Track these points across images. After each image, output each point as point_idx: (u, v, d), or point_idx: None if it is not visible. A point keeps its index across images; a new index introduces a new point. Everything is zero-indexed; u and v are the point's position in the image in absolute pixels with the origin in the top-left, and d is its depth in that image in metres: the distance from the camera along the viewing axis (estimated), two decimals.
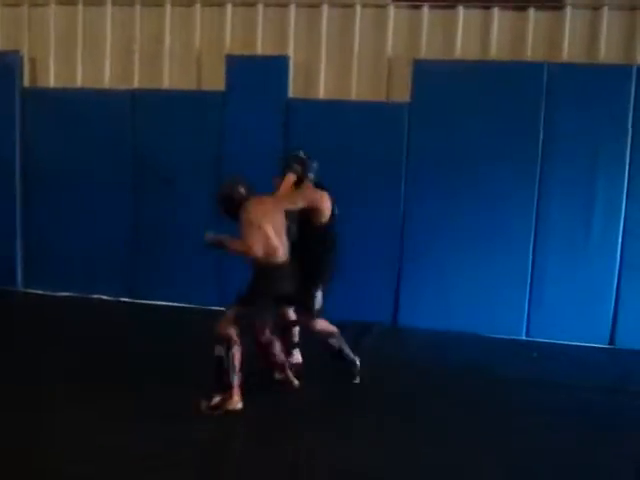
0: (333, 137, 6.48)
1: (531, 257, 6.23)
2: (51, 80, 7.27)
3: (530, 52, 6.39)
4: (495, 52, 6.43)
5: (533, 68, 6.20)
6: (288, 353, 4.90)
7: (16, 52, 7.13)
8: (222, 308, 6.54)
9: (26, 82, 7.24)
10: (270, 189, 6.45)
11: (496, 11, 6.41)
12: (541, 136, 6.17)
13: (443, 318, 6.25)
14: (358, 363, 4.83)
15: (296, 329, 5.00)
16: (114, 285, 7.04)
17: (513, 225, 6.21)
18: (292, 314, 4.91)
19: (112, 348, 5.34)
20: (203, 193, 6.79)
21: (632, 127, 6.01)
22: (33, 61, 7.28)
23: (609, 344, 6.14)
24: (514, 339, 6.20)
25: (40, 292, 7.11)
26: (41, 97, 7.16)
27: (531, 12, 6.37)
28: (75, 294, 7.04)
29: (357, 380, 4.81)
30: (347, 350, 4.83)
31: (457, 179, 6.27)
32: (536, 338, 6.21)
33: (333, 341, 4.75)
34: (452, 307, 6.29)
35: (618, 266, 6.11)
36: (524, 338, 6.25)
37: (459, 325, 6.20)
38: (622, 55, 6.25)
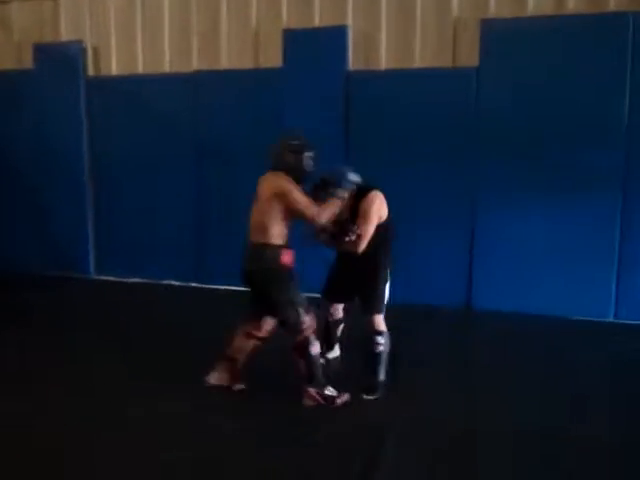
0: (397, 109, 6.14)
1: (619, 231, 5.65)
2: (113, 68, 7.26)
3: (613, 1, 5.74)
4: (573, 4, 5.82)
5: (617, 19, 5.57)
6: (329, 349, 4.59)
7: (79, 42, 7.18)
8: None
9: (90, 71, 7.28)
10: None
11: None
12: (628, 98, 5.55)
13: (520, 299, 5.81)
14: (382, 379, 4.19)
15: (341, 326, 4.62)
16: (182, 270, 7.03)
17: (597, 197, 5.64)
18: (340, 311, 4.55)
19: (183, 332, 5.33)
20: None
21: None
22: (96, 50, 7.29)
23: None
24: (601, 321, 5.67)
25: (112, 279, 7.22)
26: (105, 85, 7.19)
27: None
28: (145, 280, 7.09)
29: (370, 397, 4.10)
30: (384, 361, 4.20)
31: (533, 149, 5.76)
32: (625, 320, 5.66)
33: (380, 341, 4.15)
34: (530, 287, 5.83)
35: None
36: (612, 320, 5.71)
37: (538, 307, 5.74)
38: None
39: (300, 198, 3.87)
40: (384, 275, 4.23)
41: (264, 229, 3.91)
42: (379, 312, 4.22)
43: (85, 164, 7.27)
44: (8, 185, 7.53)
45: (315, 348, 3.98)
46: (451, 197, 6.06)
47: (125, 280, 7.15)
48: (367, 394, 4.12)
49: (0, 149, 7.52)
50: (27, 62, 7.42)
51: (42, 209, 7.43)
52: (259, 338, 4.19)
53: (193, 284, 6.97)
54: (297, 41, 6.39)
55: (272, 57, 6.59)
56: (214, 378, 4.19)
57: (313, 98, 6.37)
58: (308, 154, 4.02)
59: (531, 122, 5.75)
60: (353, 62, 6.37)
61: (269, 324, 4.16)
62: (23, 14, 7.55)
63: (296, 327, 3.95)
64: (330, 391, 4.00)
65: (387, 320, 4.22)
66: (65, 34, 7.37)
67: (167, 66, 7.07)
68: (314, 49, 6.34)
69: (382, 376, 4.18)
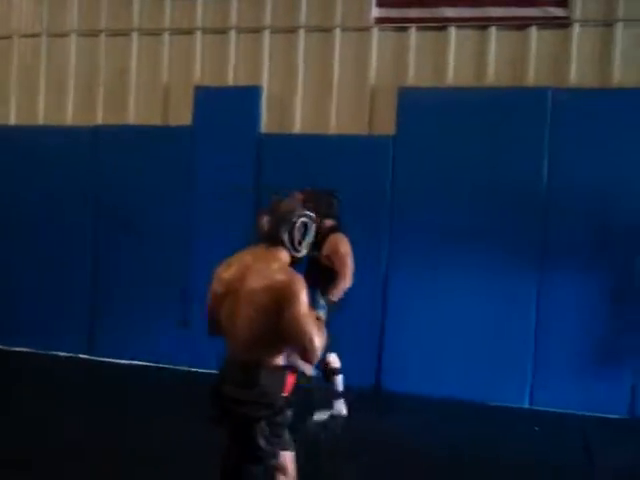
0: (310, 175, 5.71)
1: (535, 315, 5.35)
2: (12, 117, 6.74)
3: (533, 76, 5.59)
4: (492, 77, 5.65)
5: (536, 94, 5.43)
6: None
7: None
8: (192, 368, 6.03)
9: None
10: (238, 229, 5.88)
11: (493, 31, 5.66)
12: (545, 171, 5.35)
13: (432, 383, 5.37)
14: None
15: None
16: (74, 340, 6.36)
17: (515, 278, 5.34)
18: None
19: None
20: (171, 237, 6.17)
21: None
22: None
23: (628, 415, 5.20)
24: (515, 408, 5.29)
25: None
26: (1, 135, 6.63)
27: (533, 31, 5.59)
28: (33, 350, 6.37)
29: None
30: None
31: (449, 222, 5.45)
32: (541, 407, 5.30)
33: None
34: (443, 370, 5.41)
35: None
36: (527, 407, 5.35)
37: (451, 391, 5.32)
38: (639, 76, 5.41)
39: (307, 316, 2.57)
40: None
41: (259, 342, 2.62)
42: None
43: None
44: None
45: None
46: (361, 271, 5.65)
47: (10, 349, 6.42)
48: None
49: None
50: None
51: None
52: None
53: (81, 355, 6.33)
54: (208, 99, 6.02)
55: (182, 114, 6.18)
56: None
57: (223, 159, 5.96)
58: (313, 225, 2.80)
59: (447, 193, 5.46)
60: (266, 125, 6.03)
61: (287, 458, 2.83)
62: None
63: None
64: None
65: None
66: None
67: (69, 118, 6.59)
68: (226, 108, 5.97)
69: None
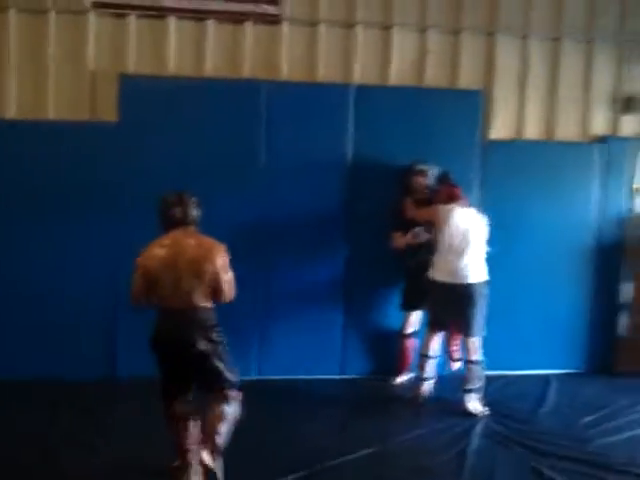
0: (29, 163, 5.55)
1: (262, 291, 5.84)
2: None
3: (249, 69, 5.96)
4: (211, 69, 5.91)
5: (251, 86, 5.81)
6: None
7: None
8: None
9: None
10: None
11: (211, 23, 5.90)
12: (263, 157, 5.82)
13: None
14: None
15: None
16: None
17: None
18: None
19: None
20: None
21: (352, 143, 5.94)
22: None
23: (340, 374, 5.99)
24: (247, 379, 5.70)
25: None
26: None
27: (249, 26, 5.94)
28: None
29: None
30: None
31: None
32: (267, 376, 5.83)
33: None
34: None
35: None
36: (257, 377, 5.82)
37: None
38: (340, 74, 6.08)
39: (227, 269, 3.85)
40: None
41: (201, 293, 3.76)
42: None
43: None
44: None
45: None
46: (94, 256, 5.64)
47: None
48: None
49: None
50: None
51: None
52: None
53: None
54: None
55: None
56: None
57: None
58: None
59: (171, 178, 5.55)
60: None
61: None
62: None
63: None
64: None
65: None
66: None
67: None
68: None
69: None
